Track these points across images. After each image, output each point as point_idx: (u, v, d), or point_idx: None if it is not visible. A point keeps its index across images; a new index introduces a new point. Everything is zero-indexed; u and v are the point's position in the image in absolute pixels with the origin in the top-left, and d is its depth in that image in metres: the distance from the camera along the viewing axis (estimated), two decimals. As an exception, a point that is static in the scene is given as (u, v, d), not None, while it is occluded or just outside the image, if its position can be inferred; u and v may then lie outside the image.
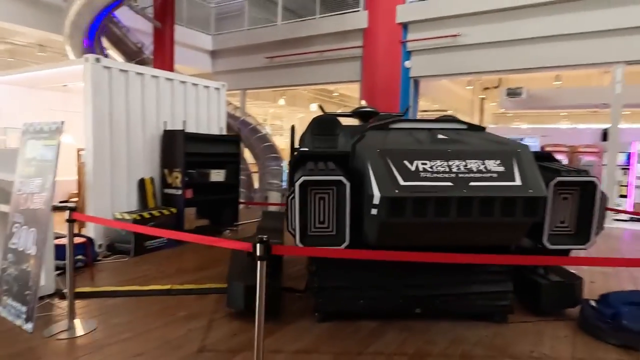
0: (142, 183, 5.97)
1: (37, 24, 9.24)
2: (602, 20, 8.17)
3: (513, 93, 11.18)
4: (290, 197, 2.69)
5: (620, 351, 3.04)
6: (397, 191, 2.43)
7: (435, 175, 2.49)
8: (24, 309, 3.25)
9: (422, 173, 2.51)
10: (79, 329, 3.21)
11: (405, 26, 10.36)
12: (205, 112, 6.94)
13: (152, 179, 6.07)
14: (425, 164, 2.55)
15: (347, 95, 18.57)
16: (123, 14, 9.84)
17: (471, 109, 18.53)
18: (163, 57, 9.75)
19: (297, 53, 12.05)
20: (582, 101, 12.62)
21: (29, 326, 3.16)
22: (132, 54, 10.28)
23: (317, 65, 12.03)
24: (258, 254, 2.20)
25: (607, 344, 3.14)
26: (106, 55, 5.05)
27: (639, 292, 3.53)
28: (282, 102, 17.01)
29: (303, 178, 2.62)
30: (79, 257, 4.52)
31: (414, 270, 3.30)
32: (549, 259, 3.08)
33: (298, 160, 3.08)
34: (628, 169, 9.68)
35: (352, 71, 11.44)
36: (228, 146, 6.82)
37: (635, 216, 8.27)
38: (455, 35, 9.76)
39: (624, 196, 9.74)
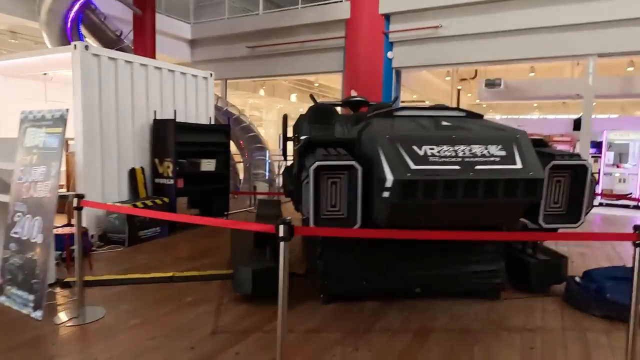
0: (132, 173, 5.91)
1: (11, 9, 8.87)
2: (576, 14, 8.54)
3: (491, 84, 11.54)
4: (305, 182, 2.78)
5: (604, 321, 3.31)
6: (408, 174, 2.57)
7: (443, 159, 2.64)
8: (31, 297, 3.23)
9: (430, 157, 2.65)
10: (88, 316, 3.22)
11: (387, 17, 10.50)
12: (193, 102, 6.90)
13: (142, 169, 6.02)
14: (433, 149, 2.70)
15: (327, 86, 18.66)
16: (100, 1, 9.57)
17: (448, 100, 18.96)
18: (144, 45, 9.56)
19: (279, 43, 12.01)
20: (557, 92, 13.14)
21: (38, 314, 3.15)
22: (111, 42, 10.01)
23: (299, 56, 12.05)
24: (282, 234, 2.29)
25: (592, 315, 3.40)
26: (86, 46, 4.94)
27: (618, 268, 3.81)
28: (262, 92, 16.93)
29: (317, 163, 2.72)
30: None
31: (414, 252, 3.48)
32: (539, 235, 3.31)
33: (306, 147, 3.17)
34: (599, 157, 10.21)
35: (334, 62, 11.53)
36: (218, 136, 6.82)
37: (606, 201, 8.76)
38: (435, 27, 9.97)
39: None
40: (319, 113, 4.65)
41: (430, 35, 10.07)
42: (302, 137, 4.36)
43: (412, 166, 2.60)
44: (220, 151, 6.77)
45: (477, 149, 2.72)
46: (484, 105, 19.48)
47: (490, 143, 2.74)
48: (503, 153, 2.68)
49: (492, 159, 2.66)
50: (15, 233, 3.44)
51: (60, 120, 3.27)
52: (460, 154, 2.67)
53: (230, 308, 3.50)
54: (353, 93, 8.65)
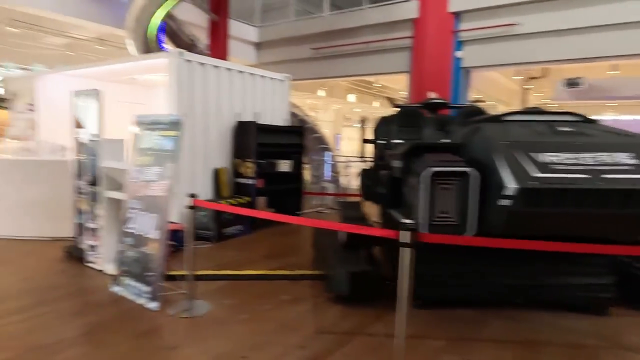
0: (216, 172, 6.18)
1: (100, 18, 9.57)
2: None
3: (573, 83, 10.89)
4: (412, 187, 2.78)
5: None
6: (532, 182, 2.49)
7: (568, 167, 2.54)
8: (146, 288, 3.47)
9: (553, 165, 2.56)
10: (198, 308, 3.41)
11: (457, 15, 10.23)
12: (270, 104, 7.08)
13: (225, 169, 6.28)
14: (555, 156, 2.60)
15: (387, 87, 18.51)
16: (176, 8, 10.08)
17: (513, 99, 18.17)
18: (219, 49, 9.96)
19: (343, 44, 12.07)
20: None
21: (154, 305, 3.38)
22: (186, 47, 10.49)
23: (363, 56, 12.04)
24: (406, 241, 2.30)
25: None
26: (181, 52, 5.28)
27: None
28: (322, 93, 17.08)
29: (432, 169, 2.71)
30: (173, 242, 4.74)
31: (517, 260, 3.36)
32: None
33: (411, 151, 3.17)
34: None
35: (400, 62, 11.40)
36: (293, 137, 6.97)
37: None
38: (510, 25, 9.58)
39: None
40: (407, 117, 4.62)
41: (503, 33, 9.70)
42: (393, 141, 4.35)
43: (535, 173, 2.52)
44: (295, 152, 6.91)
45: (603, 156, 2.58)
46: (553, 105, 18.48)
47: (619, 150, 2.59)
48: (635, 161, 2.53)
49: (621, 167, 2.52)
50: (131, 228, 3.71)
51: (176, 124, 3.48)
52: (586, 162, 2.55)
53: (327, 308, 3.57)
54: (432, 95, 8.50)
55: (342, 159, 11.17)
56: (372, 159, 5.64)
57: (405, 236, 2.33)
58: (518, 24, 9.50)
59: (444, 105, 5.80)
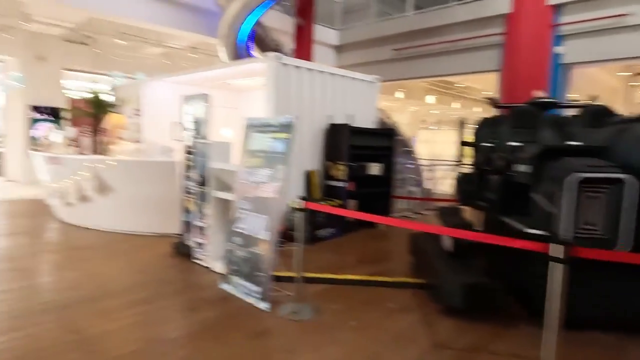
0: (308, 175, 6.21)
1: (195, 27, 10.15)
2: None
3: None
4: (553, 195, 2.50)
5: None
6: None
7: None
8: (256, 288, 3.52)
9: None
10: (306, 312, 3.38)
11: (557, 8, 9.44)
12: (359, 106, 6.99)
13: (317, 171, 6.29)
14: None
15: (469, 87, 17.67)
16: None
17: (615, 98, 16.44)
18: (303, 53, 10.10)
19: (428, 43, 11.70)
20: None
21: (265, 305, 3.41)
22: (271, 51, 10.82)
23: (448, 56, 11.59)
24: (558, 256, 2.05)
25: None
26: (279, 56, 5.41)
27: None
28: (400, 94, 16.73)
29: (580, 175, 2.42)
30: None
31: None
32: None
33: (545, 155, 2.87)
34: None
35: (489, 60, 10.79)
36: (384, 139, 6.82)
37: None
38: (621, 15, 8.63)
39: None
40: (523, 117, 4.26)
41: (613, 25, 8.76)
42: (508, 144, 4.03)
43: None
44: (385, 155, 6.75)
45: None
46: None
47: None
48: None
49: None
50: (240, 228, 3.79)
51: (287, 126, 3.50)
52: None
53: (439, 321, 3.37)
54: (538, 94, 7.91)
55: (425, 162, 10.79)
56: (472, 163, 5.32)
57: (557, 250, 2.07)
58: (630, 14, 8.53)
59: (554, 105, 5.32)
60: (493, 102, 5.92)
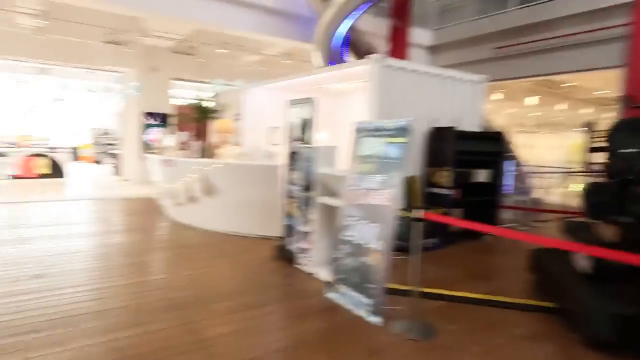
0: (408, 181, 5.91)
1: (290, 34, 10.38)
2: None
3: None
4: None
5: None
6: None
7: None
8: (366, 300, 3.34)
9: None
10: (421, 331, 3.12)
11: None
12: (462, 107, 6.53)
13: (417, 177, 5.98)
14: None
15: (578, 86, 15.91)
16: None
17: None
18: (399, 55, 9.81)
19: (535, 40, 10.73)
20: None
21: (377, 320, 3.22)
22: (363, 55, 10.68)
23: (559, 52, 10.52)
24: None
25: None
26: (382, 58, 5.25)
27: None
28: (499, 96, 15.59)
29: None
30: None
31: None
32: None
33: None
34: None
35: (608, 56, 9.55)
36: (492, 144, 6.29)
37: None
38: None
39: None
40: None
41: None
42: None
43: None
44: (493, 161, 6.22)
45: None
46: None
47: None
48: None
49: None
50: (349, 236, 3.64)
51: (404, 130, 3.28)
52: None
53: (580, 354, 2.90)
54: None
55: (532, 168, 9.86)
56: (605, 171, 4.64)
57: None
58: None
59: None
60: (628, 102, 5.16)
